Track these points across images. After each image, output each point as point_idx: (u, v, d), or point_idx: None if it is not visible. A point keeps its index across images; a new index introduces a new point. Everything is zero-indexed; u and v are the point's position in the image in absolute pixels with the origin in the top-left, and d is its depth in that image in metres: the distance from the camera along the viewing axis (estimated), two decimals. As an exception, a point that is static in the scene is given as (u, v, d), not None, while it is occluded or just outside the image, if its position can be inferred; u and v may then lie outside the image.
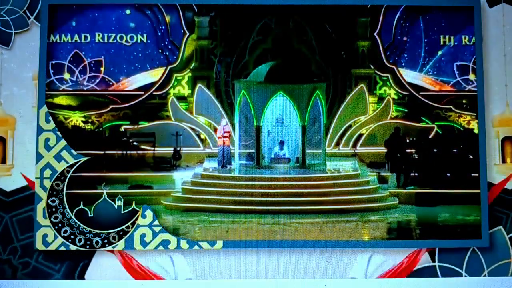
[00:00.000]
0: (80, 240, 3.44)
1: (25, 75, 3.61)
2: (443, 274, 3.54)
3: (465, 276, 3.54)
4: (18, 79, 3.60)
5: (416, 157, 3.62)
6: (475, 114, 3.59)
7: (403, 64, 3.67)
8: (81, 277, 3.50)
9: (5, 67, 3.61)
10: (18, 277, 3.51)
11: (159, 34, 3.62)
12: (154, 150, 3.59)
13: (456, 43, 3.66)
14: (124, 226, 3.46)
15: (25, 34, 3.63)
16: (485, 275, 3.56)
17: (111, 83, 3.60)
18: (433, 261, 3.54)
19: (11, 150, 3.58)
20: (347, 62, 3.66)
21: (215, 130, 3.66)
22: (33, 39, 3.60)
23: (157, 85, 3.61)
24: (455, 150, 3.61)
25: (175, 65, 3.63)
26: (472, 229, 3.51)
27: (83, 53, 3.60)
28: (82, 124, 3.56)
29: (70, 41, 3.60)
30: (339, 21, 3.66)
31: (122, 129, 3.58)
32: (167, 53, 3.63)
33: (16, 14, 3.61)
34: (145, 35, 3.62)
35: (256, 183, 3.56)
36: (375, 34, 3.65)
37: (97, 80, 3.60)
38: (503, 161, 3.65)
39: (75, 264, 3.51)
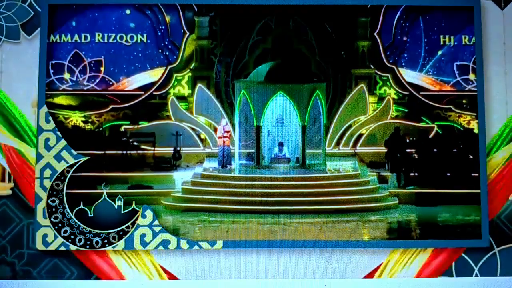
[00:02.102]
0: (80, 240, 3.44)
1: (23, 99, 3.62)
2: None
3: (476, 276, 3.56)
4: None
5: (416, 157, 3.62)
6: (475, 114, 3.59)
7: (403, 64, 3.67)
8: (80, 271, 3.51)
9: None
10: (17, 271, 3.50)
11: (159, 34, 3.62)
12: (154, 150, 3.59)
13: (456, 43, 3.66)
14: (124, 226, 3.45)
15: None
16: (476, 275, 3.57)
17: (111, 83, 3.60)
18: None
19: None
20: (347, 62, 3.66)
21: (215, 130, 3.66)
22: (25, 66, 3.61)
23: (157, 85, 3.61)
24: (455, 150, 3.61)
25: (175, 65, 3.63)
26: (472, 229, 3.52)
27: (83, 53, 3.60)
28: (82, 124, 3.56)
29: (70, 41, 3.60)
30: (339, 21, 3.66)
31: (122, 129, 3.58)
32: (167, 53, 3.63)
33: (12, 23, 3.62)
34: (145, 35, 3.62)
35: (256, 183, 3.56)
36: (375, 34, 3.65)
37: (97, 80, 3.60)
38: None
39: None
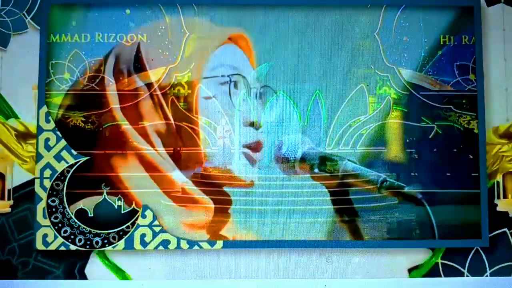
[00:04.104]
0: (80, 240, 3.45)
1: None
2: (445, 274, 3.55)
3: (467, 276, 3.55)
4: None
5: (416, 157, 3.62)
6: (475, 114, 3.59)
7: (403, 64, 3.67)
8: (82, 274, 3.51)
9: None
10: (16, 265, 3.50)
11: (159, 34, 3.62)
12: (154, 150, 3.58)
13: (456, 43, 3.66)
14: (124, 226, 3.46)
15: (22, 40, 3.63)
16: (487, 275, 3.56)
17: (111, 83, 3.59)
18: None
19: (10, 185, 3.56)
20: (347, 62, 3.66)
21: (215, 130, 3.65)
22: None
23: (157, 85, 3.61)
24: (455, 150, 3.61)
25: (175, 65, 3.62)
26: (472, 229, 3.52)
27: (83, 53, 3.59)
28: (82, 124, 3.56)
29: (70, 41, 3.60)
30: (339, 21, 3.65)
31: (122, 129, 3.58)
32: (167, 53, 3.63)
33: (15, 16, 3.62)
34: (145, 35, 3.62)
35: (256, 183, 3.56)
36: (375, 34, 3.65)
37: (97, 80, 3.59)
38: (504, 196, 3.64)
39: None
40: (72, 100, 3.58)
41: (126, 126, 3.59)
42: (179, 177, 3.58)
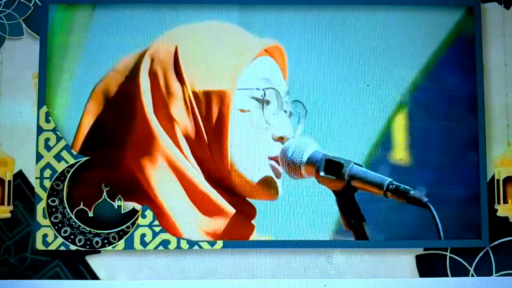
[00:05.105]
0: (80, 240, 3.45)
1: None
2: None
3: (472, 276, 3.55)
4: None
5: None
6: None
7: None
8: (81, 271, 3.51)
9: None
10: (13, 264, 3.50)
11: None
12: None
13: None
14: (124, 226, 3.46)
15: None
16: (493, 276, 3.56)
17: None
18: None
19: (9, 191, 3.55)
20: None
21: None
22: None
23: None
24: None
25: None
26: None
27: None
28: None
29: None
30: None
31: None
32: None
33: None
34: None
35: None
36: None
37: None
38: (505, 201, 3.62)
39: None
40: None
41: (155, 128, 3.48)
42: (203, 184, 3.42)
